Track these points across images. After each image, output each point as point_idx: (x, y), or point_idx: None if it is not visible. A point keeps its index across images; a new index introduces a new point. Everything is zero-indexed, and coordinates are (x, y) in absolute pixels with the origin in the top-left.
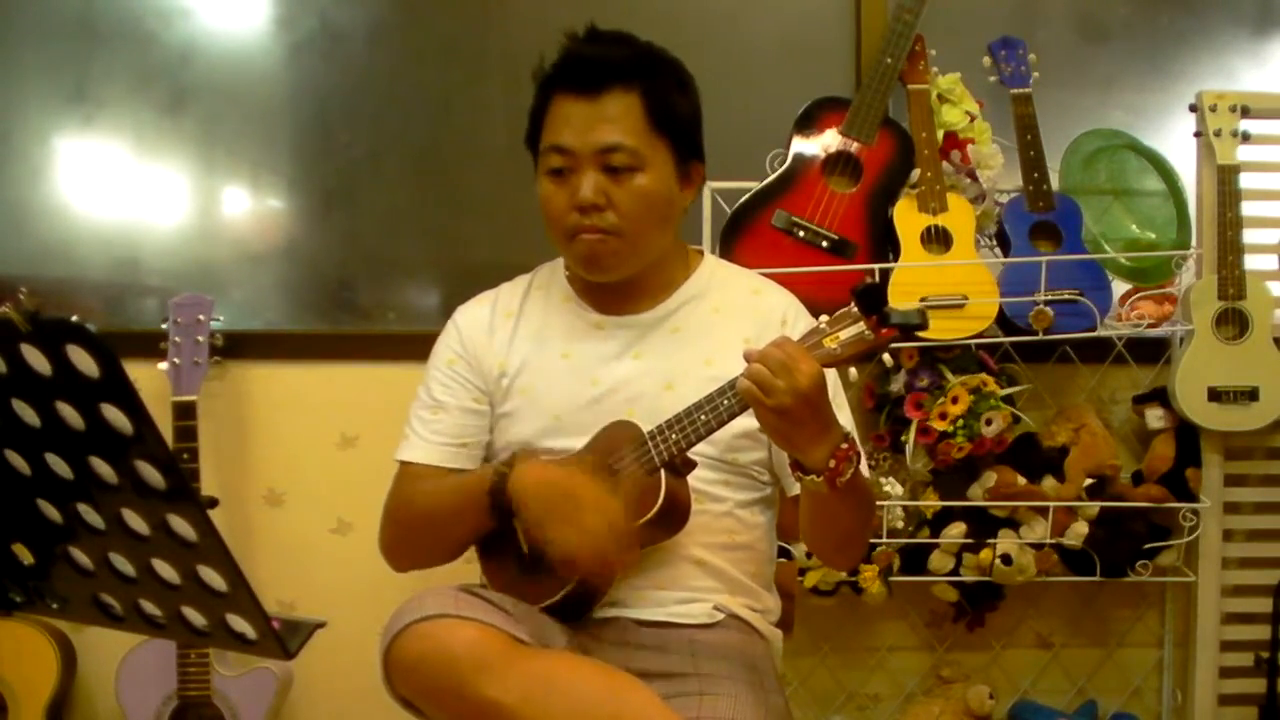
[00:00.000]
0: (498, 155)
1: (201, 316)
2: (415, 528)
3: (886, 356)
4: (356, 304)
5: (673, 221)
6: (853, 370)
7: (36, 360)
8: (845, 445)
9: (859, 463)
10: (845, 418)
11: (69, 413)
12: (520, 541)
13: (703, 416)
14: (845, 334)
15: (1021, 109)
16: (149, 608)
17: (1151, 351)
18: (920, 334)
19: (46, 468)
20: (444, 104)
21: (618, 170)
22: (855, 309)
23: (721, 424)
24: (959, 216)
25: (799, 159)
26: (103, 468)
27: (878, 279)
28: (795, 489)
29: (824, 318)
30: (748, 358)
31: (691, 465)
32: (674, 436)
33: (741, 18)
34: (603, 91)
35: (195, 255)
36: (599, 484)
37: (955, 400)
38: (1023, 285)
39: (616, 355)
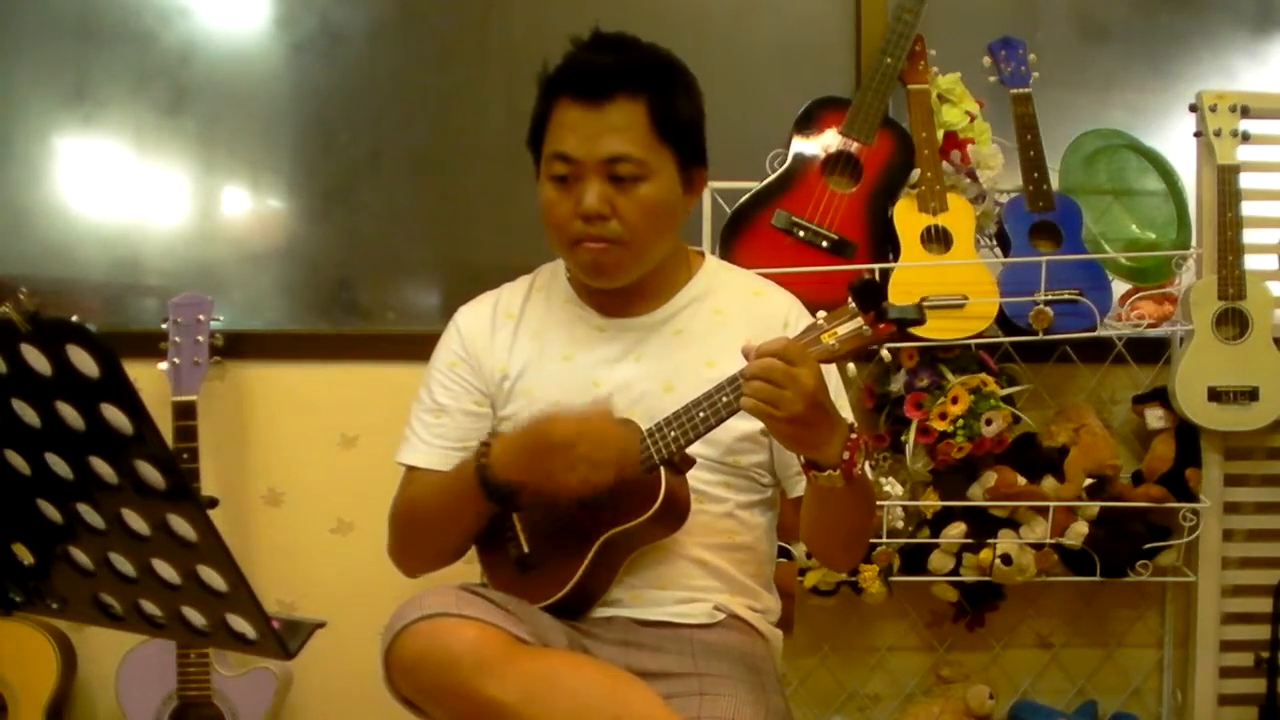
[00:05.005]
0: (498, 155)
1: (201, 316)
2: (418, 530)
3: (885, 352)
4: (356, 304)
5: (675, 228)
6: (851, 367)
7: (36, 360)
8: (854, 435)
9: (866, 451)
10: (846, 412)
11: (69, 413)
12: (520, 540)
13: (701, 414)
14: (843, 330)
15: (1021, 109)
16: (149, 608)
17: (1151, 351)
18: (920, 334)
19: (46, 468)
20: (444, 104)
21: (622, 179)
22: (853, 305)
23: (720, 420)
24: (959, 216)
25: (799, 159)
26: (103, 468)
27: (877, 279)
28: (795, 491)
29: (821, 314)
30: (746, 354)
31: (690, 462)
32: (673, 434)
33: (741, 18)
34: (608, 100)
35: (195, 255)
36: (572, 418)
37: (955, 400)
38: (1023, 285)
39: (618, 358)
